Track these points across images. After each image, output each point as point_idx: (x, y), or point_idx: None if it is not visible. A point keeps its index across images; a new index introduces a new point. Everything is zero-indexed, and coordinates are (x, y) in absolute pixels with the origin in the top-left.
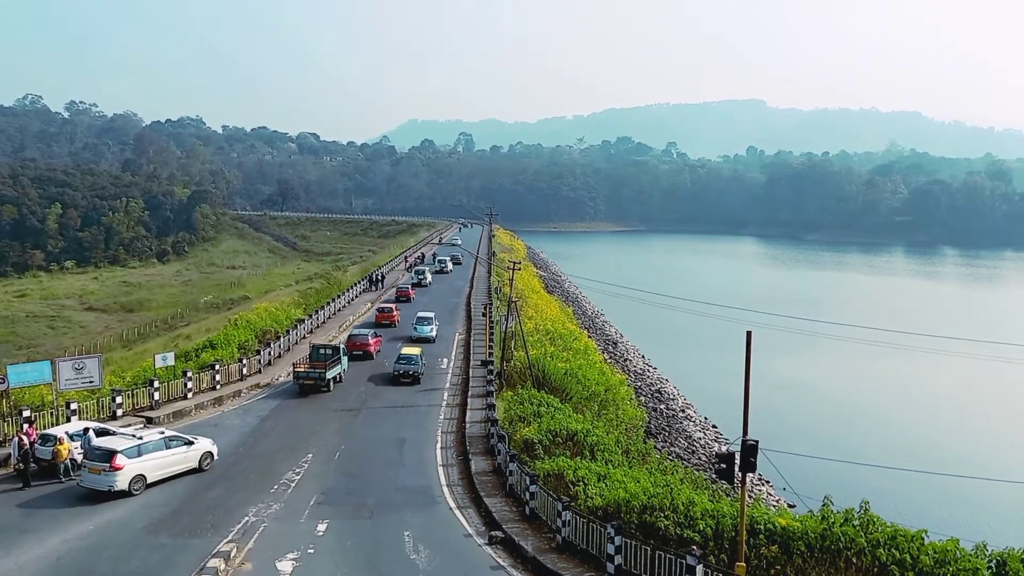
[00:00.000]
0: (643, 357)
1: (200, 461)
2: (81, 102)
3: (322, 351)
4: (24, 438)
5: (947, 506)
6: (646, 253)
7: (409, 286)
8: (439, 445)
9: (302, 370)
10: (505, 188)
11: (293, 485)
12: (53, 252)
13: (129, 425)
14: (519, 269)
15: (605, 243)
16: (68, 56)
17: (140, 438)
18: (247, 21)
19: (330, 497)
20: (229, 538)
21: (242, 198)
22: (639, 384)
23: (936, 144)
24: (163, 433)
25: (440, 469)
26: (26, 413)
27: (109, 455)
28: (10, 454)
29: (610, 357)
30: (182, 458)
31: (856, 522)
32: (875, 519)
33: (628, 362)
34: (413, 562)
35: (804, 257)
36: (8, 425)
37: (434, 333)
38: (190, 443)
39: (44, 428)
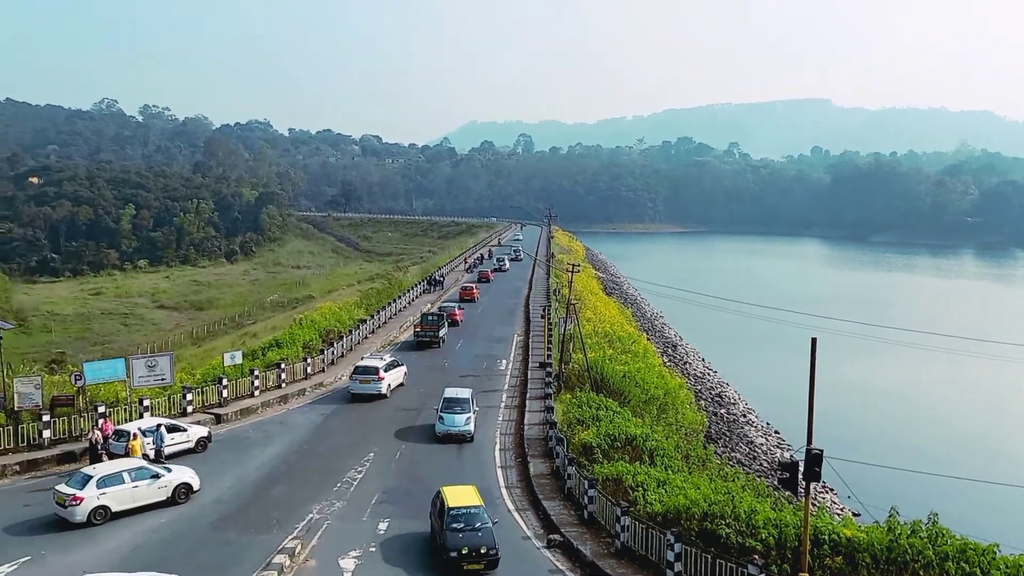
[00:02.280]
0: (703, 360)
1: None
2: (154, 106)
3: (431, 317)
4: (98, 433)
5: (1021, 519)
6: (707, 255)
7: (489, 270)
8: (497, 446)
9: (420, 331)
10: (564, 189)
11: (355, 484)
12: (127, 251)
13: (199, 423)
14: (578, 271)
15: (665, 244)
16: (143, 61)
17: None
18: (312, 26)
19: (391, 496)
20: (294, 535)
21: (307, 199)
22: (699, 388)
23: (1008, 144)
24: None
25: (499, 471)
26: (101, 409)
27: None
28: (87, 448)
29: (669, 360)
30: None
31: (924, 534)
32: (944, 531)
33: (688, 365)
34: None
35: (870, 259)
36: (84, 420)
37: (471, 424)
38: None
39: (118, 424)
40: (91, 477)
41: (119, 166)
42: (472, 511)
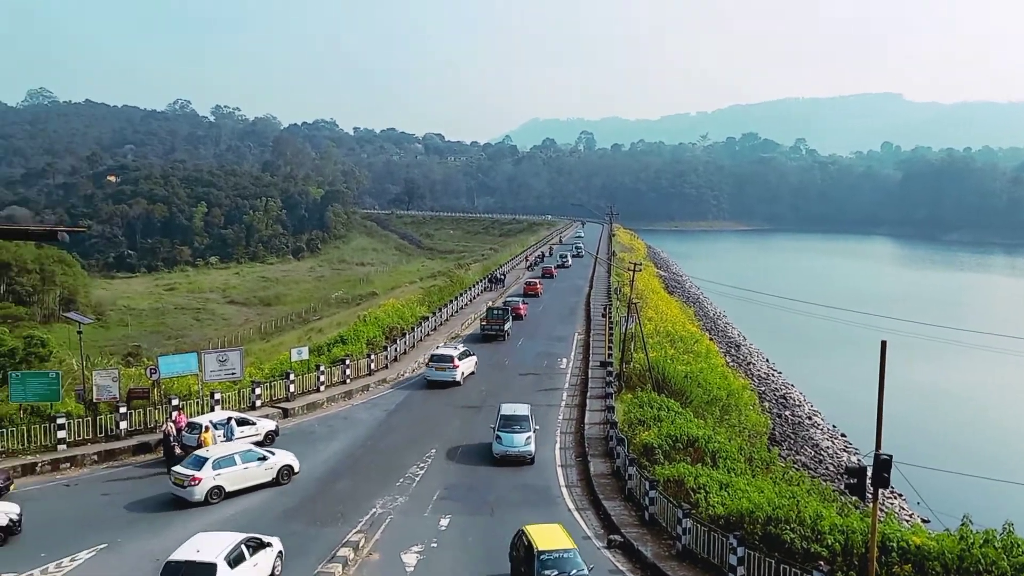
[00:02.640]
0: (767, 361)
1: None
2: (226, 106)
3: (496, 311)
4: (171, 425)
5: None
6: (772, 253)
7: (553, 267)
8: (558, 445)
9: (486, 324)
10: (626, 186)
11: (417, 479)
12: (199, 248)
13: (267, 417)
14: (640, 270)
15: (728, 242)
16: (216, 63)
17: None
18: (377, 27)
19: (452, 492)
20: (357, 528)
21: (371, 197)
22: (763, 389)
23: None
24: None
25: (559, 469)
26: (175, 402)
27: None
28: (161, 439)
29: (732, 361)
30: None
31: (998, 544)
32: (1019, 542)
33: (751, 366)
34: None
35: (942, 258)
36: (159, 413)
37: (532, 445)
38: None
39: (190, 417)
40: (207, 459)
41: (192, 165)
42: (566, 556)
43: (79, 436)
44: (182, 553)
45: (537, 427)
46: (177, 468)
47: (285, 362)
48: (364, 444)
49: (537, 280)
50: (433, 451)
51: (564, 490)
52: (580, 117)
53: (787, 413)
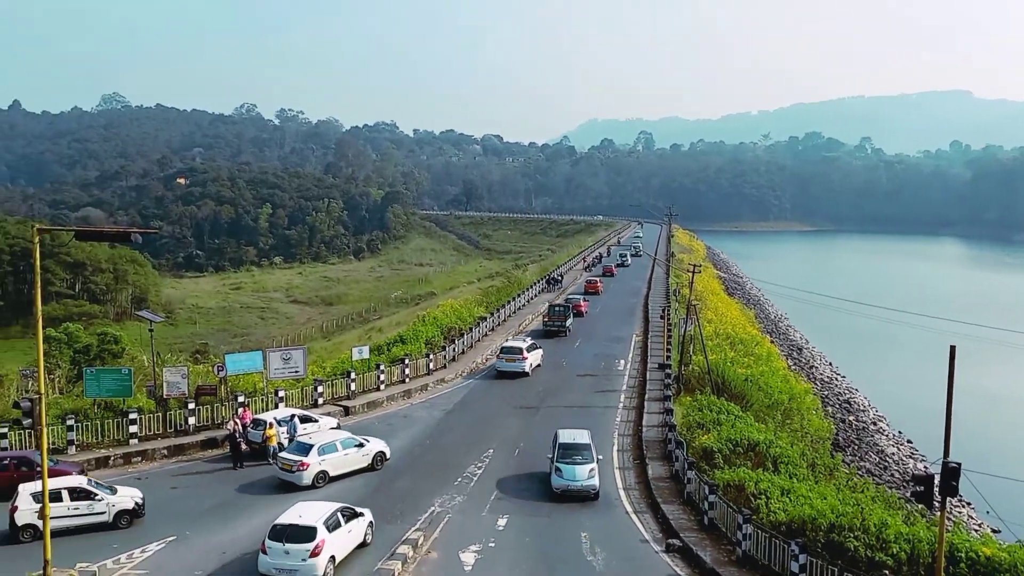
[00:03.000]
0: (830, 365)
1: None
2: (290, 110)
3: (558, 308)
4: (238, 421)
5: None
6: (836, 254)
7: (613, 265)
8: (615, 447)
9: (548, 320)
10: (685, 186)
11: (475, 479)
12: (264, 248)
13: (329, 414)
14: (699, 271)
15: (791, 243)
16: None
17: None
18: (437, 30)
19: (510, 492)
20: (416, 527)
21: (430, 198)
22: (826, 393)
23: None
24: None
25: (616, 472)
26: (240, 399)
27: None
28: (228, 436)
29: (794, 364)
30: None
31: None
32: None
33: (814, 370)
34: (590, 564)
35: (1014, 260)
36: (225, 409)
37: (596, 478)
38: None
39: (255, 413)
40: (312, 445)
41: (257, 167)
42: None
43: (149, 431)
44: (286, 518)
45: (600, 456)
46: (284, 454)
47: (346, 361)
48: (423, 443)
49: (598, 279)
50: (491, 451)
51: (622, 492)
52: (639, 117)
53: (851, 418)
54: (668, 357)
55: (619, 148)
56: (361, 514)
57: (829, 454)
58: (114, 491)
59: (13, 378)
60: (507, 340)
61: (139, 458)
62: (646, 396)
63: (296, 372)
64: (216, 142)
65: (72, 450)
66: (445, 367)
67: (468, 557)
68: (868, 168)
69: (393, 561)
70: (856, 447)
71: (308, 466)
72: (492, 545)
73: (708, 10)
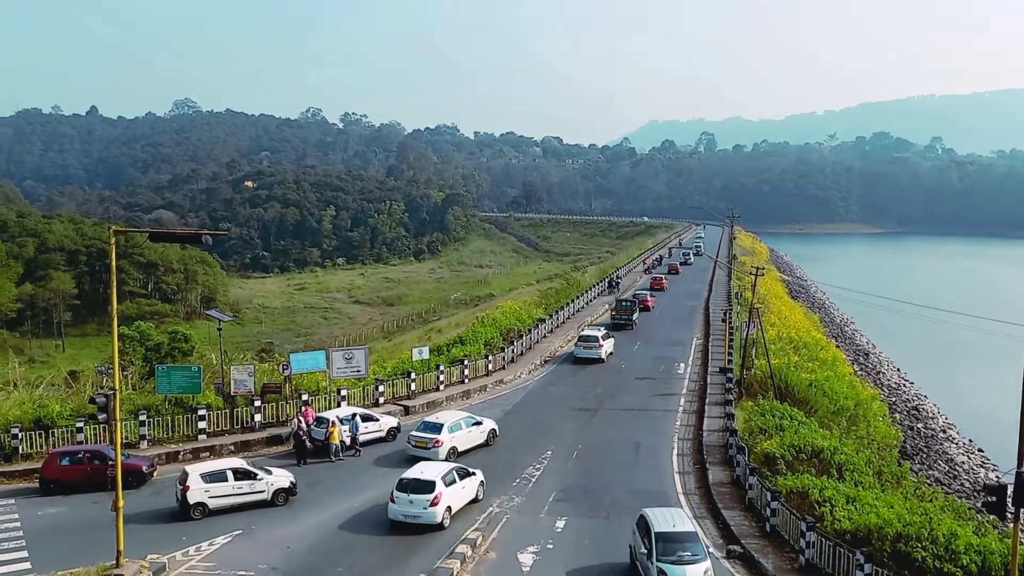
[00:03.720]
0: (898, 370)
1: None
2: (354, 113)
3: (625, 302)
4: (302, 419)
5: None
6: (904, 257)
7: (677, 263)
8: (675, 451)
9: (616, 314)
10: (747, 188)
11: (534, 480)
12: (327, 250)
13: (389, 413)
14: (762, 274)
15: (857, 246)
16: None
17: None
18: (498, 32)
19: (568, 494)
20: (475, 527)
21: (490, 200)
22: (893, 400)
23: None
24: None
25: (676, 476)
26: (304, 397)
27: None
28: (293, 433)
29: (860, 369)
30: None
31: None
32: None
33: (881, 375)
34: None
35: None
36: (290, 407)
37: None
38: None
39: (318, 412)
40: (442, 424)
41: (322, 170)
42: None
43: (217, 427)
44: (411, 473)
45: (709, 546)
46: (416, 432)
47: (406, 361)
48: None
49: (663, 276)
50: (549, 453)
51: (682, 497)
52: (701, 118)
53: (919, 425)
54: (729, 361)
55: (680, 149)
56: (473, 473)
57: (896, 462)
58: (269, 472)
59: (89, 374)
60: (583, 329)
61: (207, 453)
62: (707, 400)
63: (358, 371)
64: (282, 146)
65: (144, 444)
66: (504, 368)
67: (526, 558)
68: (939, 169)
69: (452, 560)
70: (924, 455)
71: (442, 443)
72: (550, 547)
73: (772, 9)
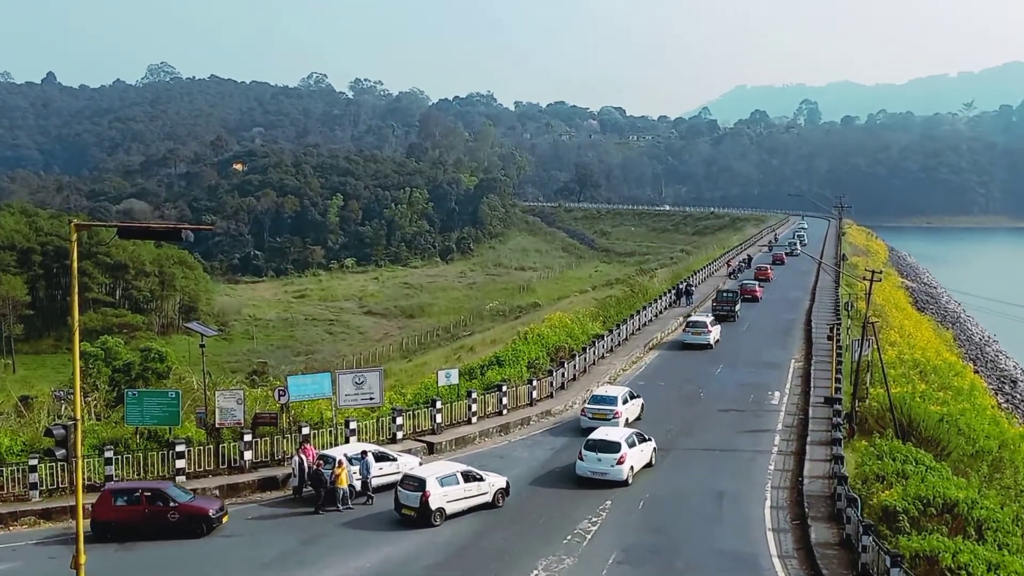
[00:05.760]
0: None
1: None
2: (366, 80)
3: (727, 294)
4: (303, 457)
5: None
6: None
7: (783, 253)
8: (768, 503)
9: (717, 306)
10: (860, 170)
11: (589, 537)
12: (333, 248)
13: (409, 451)
14: (879, 280)
15: (1002, 243)
16: (354, 31)
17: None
18: None
19: (631, 555)
20: None
21: (534, 187)
22: None
23: None
24: None
25: (769, 534)
26: (305, 430)
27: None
28: (290, 474)
29: (1006, 401)
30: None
31: None
32: None
33: None
34: None
35: None
36: (287, 442)
37: None
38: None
39: (320, 448)
40: (616, 396)
41: (327, 150)
42: None
43: (199, 466)
44: (596, 435)
45: None
46: (593, 405)
47: (431, 387)
48: (524, 490)
49: (768, 266)
50: (608, 502)
51: (776, 561)
52: (800, 83)
53: None
54: (837, 389)
55: (774, 122)
56: (648, 439)
57: None
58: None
59: (44, 400)
60: (691, 316)
61: None
62: (808, 439)
63: (371, 399)
64: (279, 120)
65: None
66: (552, 396)
67: None
68: None
69: None
70: None
71: (620, 414)
72: None
73: None
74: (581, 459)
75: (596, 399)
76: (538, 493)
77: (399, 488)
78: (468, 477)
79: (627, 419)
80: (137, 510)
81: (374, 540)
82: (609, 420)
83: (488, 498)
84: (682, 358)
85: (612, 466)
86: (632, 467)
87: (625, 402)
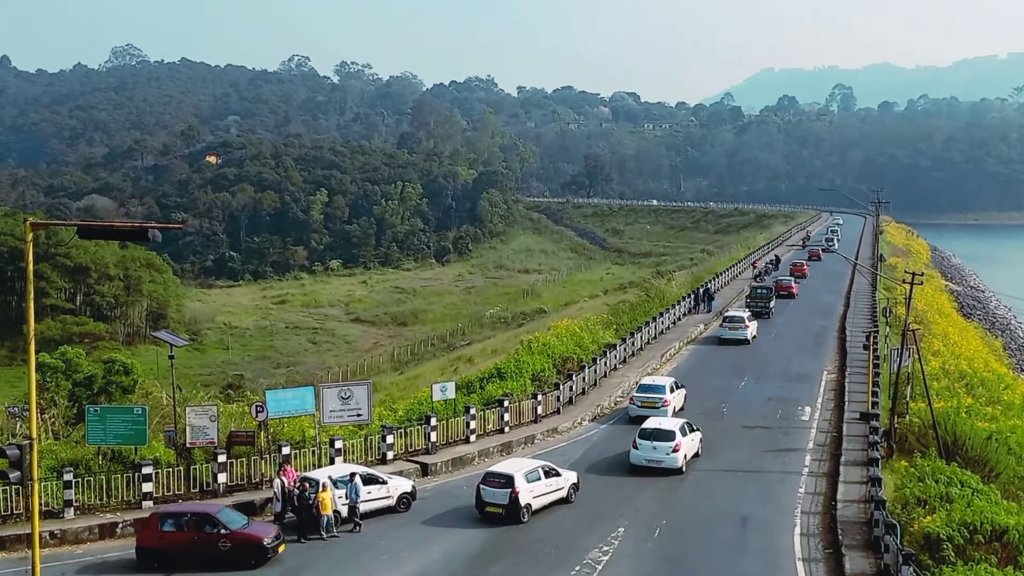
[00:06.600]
0: None
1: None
2: (353, 63)
3: (760, 290)
4: (285, 480)
5: None
6: None
7: (819, 249)
8: (797, 530)
9: (751, 302)
10: (899, 162)
11: (599, 568)
12: (317, 249)
13: (400, 473)
14: (920, 283)
15: None
16: (340, 9)
17: None
18: None
19: None
20: None
21: (539, 180)
22: None
23: None
24: None
25: (799, 564)
26: (285, 450)
27: None
28: (269, 499)
29: None
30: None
31: None
32: None
33: None
34: None
35: None
36: (266, 464)
37: None
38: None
39: (302, 471)
40: (664, 385)
41: (310, 140)
42: None
43: (168, 490)
44: (649, 424)
45: None
46: (641, 393)
47: (425, 402)
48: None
49: (804, 261)
50: (621, 530)
51: None
52: (833, 65)
53: None
54: (875, 404)
55: (804, 109)
56: (697, 429)
57: None
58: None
59: None
60: (728, 310)
61: None
62: (842, 459)
63: (358, 416)
64: (257, 108)
65: (70, 513)
66: (559, 412)
67: None
68: None
69: None
70: None
71: (668, 402)
72: None
73: None
74: (635, 448)
75: (644, 387)
76: (543, 519)
77: (481, 486)
78: (548, 472)
79: (674, 408)
80: (184, 536)
81: (366, 571)
82: (658, 408)
83: (564, 493)
84: (702, 369)
85: (668, 454)
86: (686, 455)
87: (672, 391)
